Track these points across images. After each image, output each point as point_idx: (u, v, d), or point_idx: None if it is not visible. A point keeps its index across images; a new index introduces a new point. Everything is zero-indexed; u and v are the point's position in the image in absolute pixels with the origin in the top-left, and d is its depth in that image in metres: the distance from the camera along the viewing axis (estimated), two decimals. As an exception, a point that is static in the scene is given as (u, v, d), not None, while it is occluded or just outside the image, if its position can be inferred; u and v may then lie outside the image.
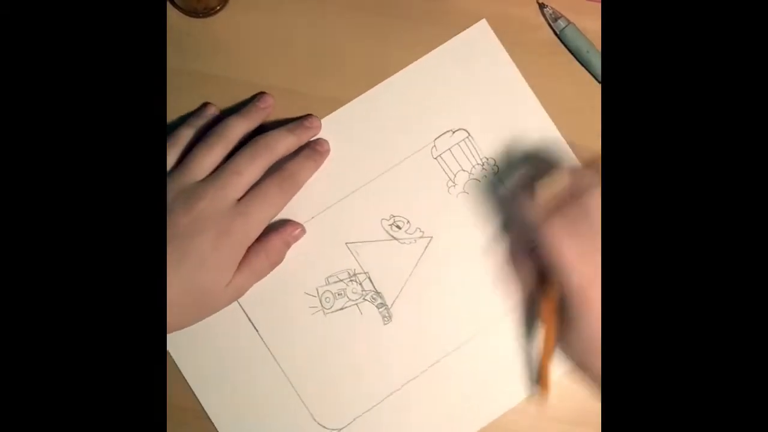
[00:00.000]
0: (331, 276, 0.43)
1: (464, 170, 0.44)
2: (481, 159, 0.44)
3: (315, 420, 0.42)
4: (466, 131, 0.44)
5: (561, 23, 0.44)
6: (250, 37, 0.44)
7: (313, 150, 0.42)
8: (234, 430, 0.41)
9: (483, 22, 0.44)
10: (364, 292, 0.43)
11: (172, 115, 0.43)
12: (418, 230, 0.43)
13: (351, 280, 0.43)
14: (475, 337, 0.42)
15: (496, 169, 0.44)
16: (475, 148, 0.44)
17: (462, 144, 0.44)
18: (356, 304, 0.42)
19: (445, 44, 0.44)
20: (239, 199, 0.39)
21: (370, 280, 0.43)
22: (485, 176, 0.44)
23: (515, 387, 0.42)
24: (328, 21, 0.44)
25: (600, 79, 0.44)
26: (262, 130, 0.42)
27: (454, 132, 0.44)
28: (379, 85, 0.44)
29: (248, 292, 0.41)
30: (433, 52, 0.44)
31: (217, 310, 0.40)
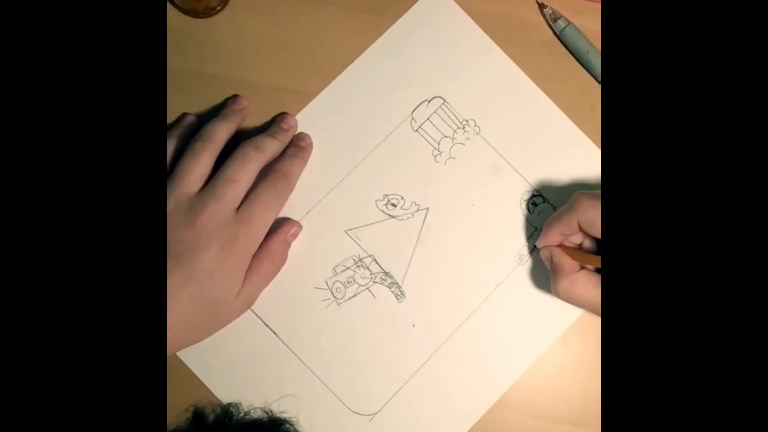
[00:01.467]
0: (337, 266, 0.43)
1: (447, 136, 0.44)
2: (461, 122, 0.44)
3: (349, 409, 0.42)
4: (441, 98, 0.44)
5: (561, 23, 0.44)
6: (250, 37, 0.44)
7: (297, 147, 0.42)
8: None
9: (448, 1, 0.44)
10: (373, 275, 0.43)
11: (172, 115, 0.43)
12: (414, 204, 0.43)
13: (358, 266, 0.43)
14: (491, 295, 0.43)
15: (477, 129, 0.44)
16: (453, 113, 0.44)
17: (439, 111, 0.44)
18: (367, 288, 0.43)
19: (404, 16, 0.44)
20: (237, 208, 0.39)
21: (377, 262, 0.43)
22: (468, 138, 0.44)
23: (538, 335, 0.42)
24: (328, 21, 0.44)
25: (600, 79, 0.44)
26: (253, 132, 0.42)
27: (429, 101, 0.44)
28: (346, 70, 0.44)
29: (259, 298, 0.41)
30: (392, 26, 0.44)
31: (230, 321, 0.40)
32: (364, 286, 0.43)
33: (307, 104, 0.43)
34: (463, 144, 0.44)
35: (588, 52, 0.43)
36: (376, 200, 0.43)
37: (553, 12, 0.44)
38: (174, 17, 0.44)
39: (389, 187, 0.43)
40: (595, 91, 0.44)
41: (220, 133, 0.40)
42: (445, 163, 0.44)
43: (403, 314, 0.42)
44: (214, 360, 0.42)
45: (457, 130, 0.44)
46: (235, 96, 0.43)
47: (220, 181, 0.38)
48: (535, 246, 0.42)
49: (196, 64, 0.44)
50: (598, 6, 0.45)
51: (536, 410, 0.42)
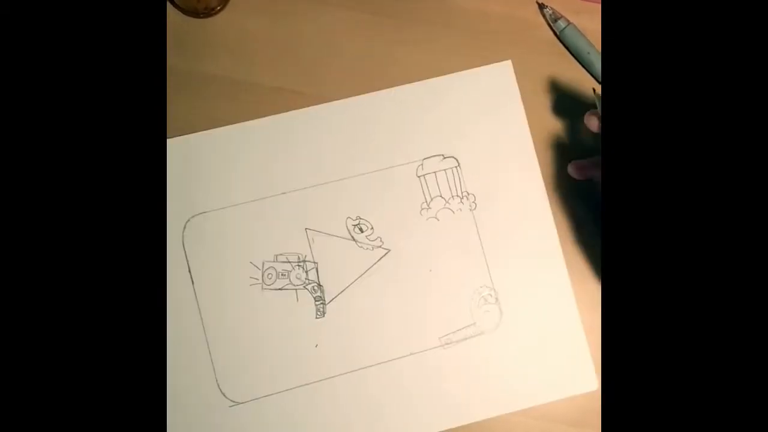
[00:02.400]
0: (280, 255, 0.43)
1: (442, 197, 0.44)
2: (462, 192, 0.44)
3: (218, 387, 0.41)
4: (457, 161, 0.44)
5: (561, 24, 0.44)
6: (249, 37, 0.44)
7: None
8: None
9: (507, 63, 0.44)
10: (307, 281, 0.42)
11: (172, 115, 0.43)
12: (379, 239, 0.43)
13: (298, 265, 0.43)
14: (401, 360, 0.42)
15: (474, 206, 0.43)
16: (460, 180, 0.44)
17: (449, 171, 0.44)
18: (296, 289, 0.42)
19: (466, 71, 0.44)
20: None
21: (317, 272, 0.43)
22: (461, 210, 0.43)
23: (422, 420, 0.42)
24: (328, 21, 0.44)
25: (600, 79, 0.44)
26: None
27: (445, 157, 0.44)
28: (389, 89, 0.44)
29: (197, 246, 0.42)
30: (451, 75, 0.44)
31: None
32: (294, 285, 0.42)
33: (311, 105, 0.44)
34: (453, 212, 0.43)
35: (588, 53, 0.43)
36: (348, 217, 0.43)
37: (553, 12, 0.44)
38: (174, 17, 0.44)
39: (366, 211, 0.43)
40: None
41: None
42: (427, 220, 0.43)
43: (313, 330, 0.42)
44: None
45: (455, 197, 0.43)
46: None
47: None
48: (453, 339, 0.42)
49: (196, 64, 0.44)
50: (598, 6, 0.45)
51: (536, 410, 0.42)
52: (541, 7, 0.44)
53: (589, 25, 0.44)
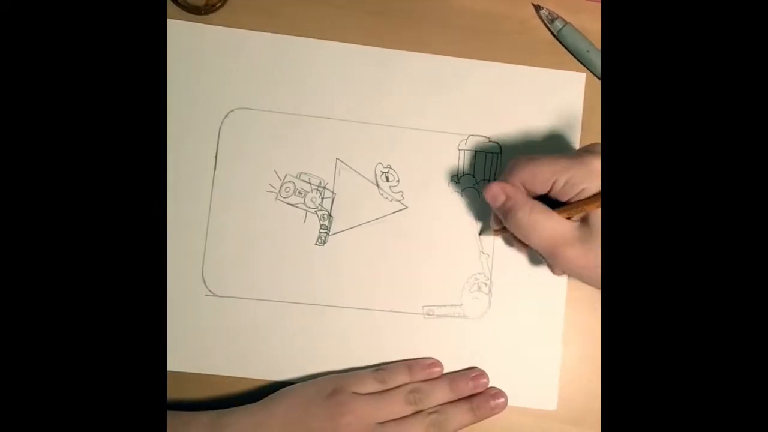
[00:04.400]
0: (304, 173, 0.43)
1: (474, 177, 0.44)
2: (494, 178, 0.44)
3: (202, 274, 0.42)
4: (500, 148, 0.44)
5: (558, 24, 0.44)
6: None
7: (485, 405, 0.41)
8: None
9: (582, 76, 0.44)
10: (320, 207, 0.43)
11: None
12: (401, 193, 0.43)
13: (317, 189, 0.43)
14: (381, 312, 0.42)
15: (500, 196, 0.44)
16: (496, 167, 0.44)
17: (489, 156, 0.44)
18: (306, 211, 0.43)
19: (542, 69, 0.44)
20: (381, 422, 0.39)
21: (332, 202, 0.43)
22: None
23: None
24: (327, 19, 0.44)
25: (600, 76, 0.43)
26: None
27: (490, 141, 0.44)
28: (461, 59, 0.44)
29: (231, 138, 0.42)
30: (527, 67, 0.44)
31: None
32: (306, 207, 0.43)
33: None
34: (479, 194, 0.44)
35: (588, 51, 0.43)
36: (379, 163, 0.43)
37: (549, 13, 0.44)
38: (175, 15, 0.44)
39: (398, 163, 0.43)
40: (595, 91, 0.44)
41: (437, 397, 0.40)
42: (451, 193, 0.44)
43: (308, 254, 0.43)
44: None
45: (485, 181, 0.44)
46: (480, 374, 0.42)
47: (384, 396, 0.39)
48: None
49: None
50: (598, 5, 0.44)
51: (536, 410, 0.42)
52: (537, 8, 0.44)
53: (589, 24, 0.44)
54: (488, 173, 0.44)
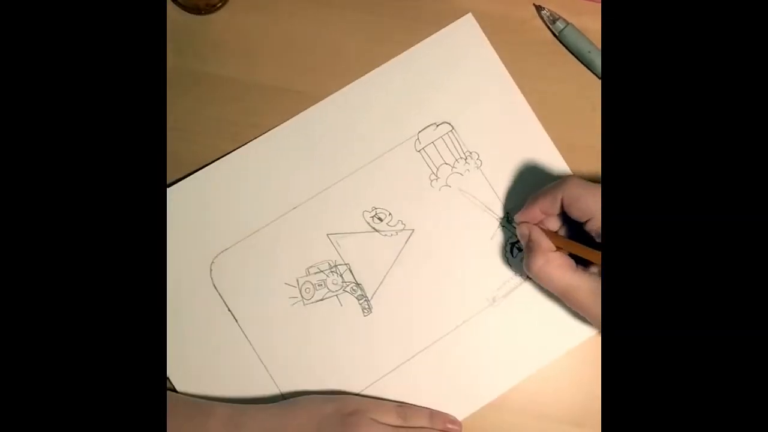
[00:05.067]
0: (311, 267, 0.43)
1: (447, 164, 0.44)
2: (464, 152, 0.44)
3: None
4: (450, 125, 0.44)
5: (559, 24, 0.44)
6: (249, 35, 0.44)
7: None
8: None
9: (469, 16, 0.44)
10: (344, 284, 0.43)
11: (172, 115, 0.43)
12: (400, 223, 0.43)
13: (331, 272, 0.43)
14: (459, 327, 0.42)
15: (479, 163, 0.44)
16: (459, 142, 0.44)
17: (446, 137, 0.44)
18: (336, 295, 0.42)
19: (430, 38, 0.44)
20: None
21: (351, 272, 0.43)
22: (468, 170, 0.44)
23: (498, 378, 0.42)
24: (327, 19, 0.44)
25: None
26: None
27: (438, 125, 0.44)
28: (363, 77, 0.44)
29: (228, 283, 0.41)
30: (417, 45, 0.44)
31: None
32: (333, 292, 0.42)
33: (310, 104, 0.43)
34: (462, 175, 0.44)
35: (590, 52, 0.43)
36: (364, 211, 0.43)
37: (550, 14, 0.44)
38: (174, 14, 0.43)
39: (380, 200, 0.43)
40: (595, 91, 0.44)
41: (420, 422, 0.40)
42: (439, 189, 0.43)
43: (366, 328, 0.42)
44: (174, 347, 0.42)
45: (459, 160, 0.44)
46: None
47: None
48: (511, 287, 0.42)
49: (196, 63, 0.44)
50: (598, 6, 0.45)
51: (536, 410, 0.42)
52: (539, 9, 0.44)
53: (590, 25, 0.44)
54: (456, 152, 0.44)
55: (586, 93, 0.44)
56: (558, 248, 0.38)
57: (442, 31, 0.44)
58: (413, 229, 0.43)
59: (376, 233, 0.43)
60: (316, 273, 0.42)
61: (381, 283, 0.43)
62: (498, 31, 0.44)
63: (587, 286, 0.37)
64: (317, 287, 0.42)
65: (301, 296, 0.42)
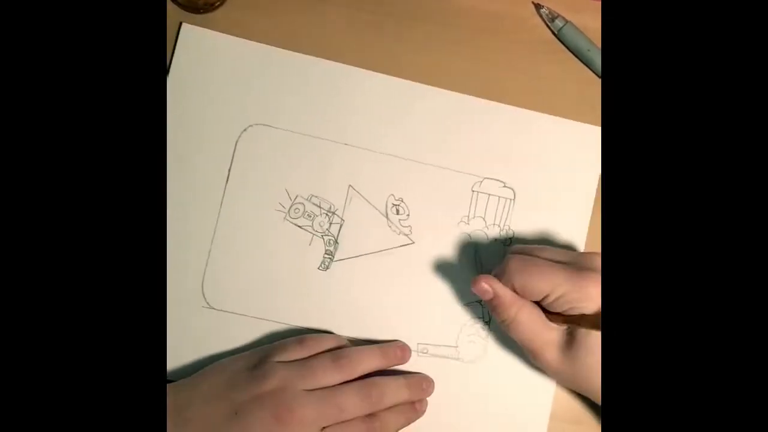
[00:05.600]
0: (315, 196, 0.43)
1: (484, 220, 0.43)
2: (505, 224, 0.43)
3: (202, 286, 0.42)
4: (514, 194, 0.44)
5: (558, 23, 0.44)
6: (248, 34, 0.44)
7: (412, 410, 0.41)
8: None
9: (597, 129, 0.44)
10: (326, 232, 0.43)
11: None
12: (409, 228, 0.43)
13: (326, 214, 0.43)
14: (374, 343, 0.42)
15: (508, 242, 0.43)
16: (508, 213, 0.44)
17: (502, 200, 0.44)
18: (313, 234, 0.43)
19: (558, 118, 0.44)
20: (324, 428, 0.37)
21: (339, 228, 0.43)
22: (495, 240, 0.43)
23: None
24: (327, 18, 0.44)
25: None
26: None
27: (505, 185, 0.44)
28: (482, 101, 0.44)
29: (247, 151, 0.42)
30: (543, 114, 0.44)
31: None
32: (313, 230, 0.43)
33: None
34: (487, 239, 0.43)
35: (589, 50, 0.43)
36: (392, 194, 0.43)
37: (549, 12, 0.44)
38: (174, 13, 0.43)
39: (410, 198, 0.43)
40: (595, 90, 0.44)
41: (368, 366, 0.40)
42: (459, 234, 0.43)
43: (310, 277, 0.42)
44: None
45: (495, 226, 0.43)
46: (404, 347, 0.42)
47: (331, 402, 0.37)
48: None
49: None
50: (598, 4, 0.44)
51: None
52: (538, 7, 0.44)
53: (590, 23, 0.44)
54: (499, 218, 0.43)
55: (586, 93, 0.44)
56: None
57: (570, 121, 0.44)
58: (413, 242, 0.43)
59: (385, 219, 0.43)
60: (314, 204, 0.43)
61: (351, 258, 0.43)
62: (498, 30, 0.44)
63: (556, 341, 0.37)
64: (305, 215, 0.43)
65: (288, 211, 0.43)
